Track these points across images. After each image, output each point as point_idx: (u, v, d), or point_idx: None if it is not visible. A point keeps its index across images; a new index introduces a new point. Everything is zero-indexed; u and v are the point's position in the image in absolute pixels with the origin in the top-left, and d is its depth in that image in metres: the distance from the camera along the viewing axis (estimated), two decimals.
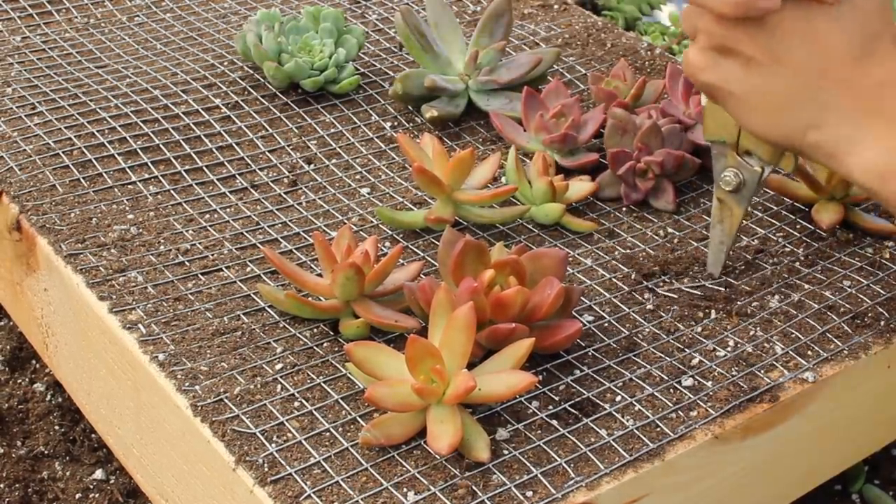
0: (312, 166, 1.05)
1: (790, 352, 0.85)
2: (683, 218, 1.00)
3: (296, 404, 0.79)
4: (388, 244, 0.95)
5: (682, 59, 0.82)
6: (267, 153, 1.06)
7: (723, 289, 0.91)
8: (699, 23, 0.79)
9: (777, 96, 0.78)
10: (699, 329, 0.87)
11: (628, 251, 0.95)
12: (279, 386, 0.80)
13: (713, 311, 0.89)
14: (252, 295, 0.88)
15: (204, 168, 1.03)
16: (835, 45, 0.76)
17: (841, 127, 0.76)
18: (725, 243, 0.91)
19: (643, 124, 1.01)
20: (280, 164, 1.05)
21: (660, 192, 1.01)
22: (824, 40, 0.76)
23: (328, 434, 0.76)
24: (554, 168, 1.00)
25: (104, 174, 1.01)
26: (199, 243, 0.94)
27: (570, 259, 0.94)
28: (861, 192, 0.96)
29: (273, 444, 0.75)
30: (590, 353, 0.84)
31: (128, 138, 1.05)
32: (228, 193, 1.00)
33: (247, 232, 0.95)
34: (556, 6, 1.35)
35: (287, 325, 0.86)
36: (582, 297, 0.89)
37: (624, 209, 1.01)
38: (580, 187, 1.00)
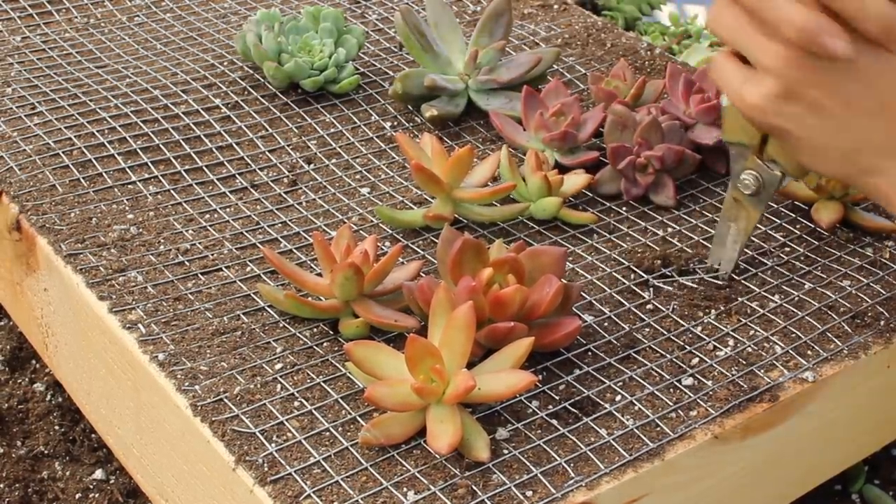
0: (312, 166, 1.05)
1: (790, 351, 0.85)
2: (684, 214, 1.00)
3: (296, 404, 0.79)
4: (387, 243, 0.95)
5: (730, 92, 0.79)
6: (267, 153, 1.06)
7: (723, 287, 0.91)
8: (765, 61, 0.77)
9: (844, 142, 0.77)
10: (699, 328, 0.87)
11: (628, 247, 0.95)
12: (279, 386, 0.80)
13: (713, 309, 0.89)
14: (252, 295, 0.88)
15: (204, 168, 1.03)
16: None
17: None
18: (739, 243, 0.91)
19: (643, 120, 1.01)
20: (280, 163, 1.05)
21: (660, 187, 1.01)
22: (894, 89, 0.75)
23: (328, 434, 0.76)
24: (548, 164, 1.00)
25: (104, 174, 1.01)
26: (199, 243, 0.94)
27: (570, 256, 0.94)
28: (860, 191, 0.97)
29: (273, 444, 0.75)
30: (590, 351, 0.84)
31: (128, 138, 1.05)
32: (228, 193, 1.00)
33: (247, 232, 0.95)
34: (556, 6, 1.35)
35: (287, 325, 0.86)
36: (582, 294, 0.89)
37: (624, 206, 1.01)
38: (575, 180, 0.99)
